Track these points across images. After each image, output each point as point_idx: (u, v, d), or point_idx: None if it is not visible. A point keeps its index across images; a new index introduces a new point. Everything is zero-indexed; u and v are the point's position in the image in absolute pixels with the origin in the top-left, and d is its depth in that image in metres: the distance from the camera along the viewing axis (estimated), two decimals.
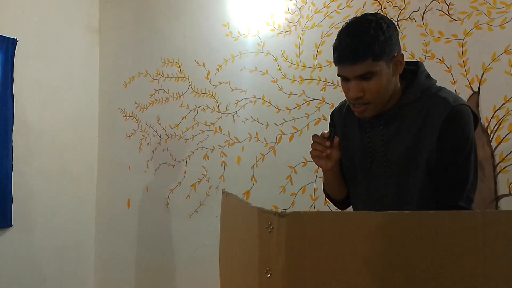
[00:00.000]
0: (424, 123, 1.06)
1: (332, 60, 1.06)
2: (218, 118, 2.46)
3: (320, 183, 2.12)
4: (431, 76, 1.15)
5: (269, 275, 0.70)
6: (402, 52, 1.08)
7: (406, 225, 0.70)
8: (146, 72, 2.77)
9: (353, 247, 0.68)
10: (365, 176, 1.17)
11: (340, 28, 1.06)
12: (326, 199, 2.07)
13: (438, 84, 1.14)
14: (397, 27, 1.08)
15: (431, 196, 1.07)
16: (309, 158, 2.06)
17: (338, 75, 1.07)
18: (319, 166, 1.18)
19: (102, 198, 2.99)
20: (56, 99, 2.78)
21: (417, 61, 1.17)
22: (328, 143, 1.11)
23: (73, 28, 2.90)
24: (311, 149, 1.15)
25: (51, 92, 2.76)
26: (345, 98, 1.12)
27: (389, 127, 1.11)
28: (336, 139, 1.12)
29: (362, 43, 0.99)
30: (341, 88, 1.86)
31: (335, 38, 1.06)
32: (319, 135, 1.14)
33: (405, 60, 1.10)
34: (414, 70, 1.13)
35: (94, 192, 3.01)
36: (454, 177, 1.05)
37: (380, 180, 1.14)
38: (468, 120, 1.04)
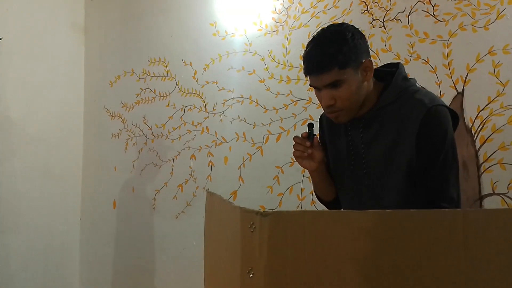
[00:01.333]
0: (402, 125, 1.08)
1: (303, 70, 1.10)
2: (205, 118, 2.44)
3: (307, 183, 2.12)
4: (409, 78, 1.17)
5: (251, 275, 0.70)
6: (371, 58, 1.11)
7: (388, 225, 0.70)
8: (132, 71, 2.74)
9: (336, 247, 0.68)
10: (349, 177, 1.19)
11: (308, 40, 1.10)
12: (313, 199, 2.09)
13: (423, 85, 1.15)
14: (363, 34, 1.10)
15: (412, 198, 1.08)
16: None
17: (310, 85, 1.10)
18: (303, 167, 1.20)
19: (87, 199, 2.95)
20: (40, 98, 2.73)
21: (398, 63, 1.19)
22: (308, 143, 1.13)
23: (58, 26, 2.85)
24: (293, 150, 1.16)
25: (35, 91, 2.71)
26: None
27: (368, 130, 1.14)
28: (316, 138, 1.15)
29: (326, 53, 1.03)
30: None
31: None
32: (299, 136, 1.16)
33: (390, 62, 1.15)
34: (393, 72, 1.15)
35: (79, 192, 2.97)
36: (434, 178, 1.06)
37: (362, 181, 1.16)
38: (444, 120, 1.06)
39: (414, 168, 1.07)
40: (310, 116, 2.11)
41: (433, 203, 1.05)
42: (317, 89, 1.09)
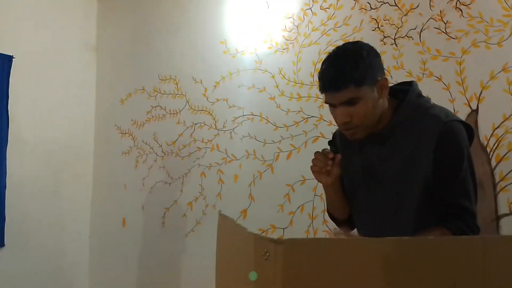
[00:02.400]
0: (418, 141, 1.08)
1: (319, 87, 1.10)
2: (215, 135, 2.44)
3: (318, 201, 2.09)
4: (423, 94, 1.17)
5: None
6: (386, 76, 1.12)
7: (406, 252, 0.67)
8: (143, 89, 2.76)
9: (352, 275, 0.65)
10: (364, 194, 1.18)
11: (325, 58, 1.11)
12: (325, 218, 2.05)
13: (436, 102, 1.16)
14: (378, 52, 1.11)
15: (429, 213, 1.07)
16: (308, 176, 2.05)
17: (326, 102, 1.10)
18: (319, 182, 1.20)
19: (97, 217, 2.95)
20: (51, 117, 2.76)
21: (412, 81, 1.19)
22: (331, 156, 1.14)
23: (70, 46, 2.90)
24: (311, 165, 1.16)
25: (46, 110, 2.74)
26: None
27: (383, 146, 1.13)
28: (338, 156, 1.14)
29: (343, 71, 1.03)
30: None
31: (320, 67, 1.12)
32: (320, 151, 1.16)
33: (403, 80, 1.16)
34: (406, 89, 1.15)
35: (88, 210, 2.97)
36: (453, 193, 1.06)
37: (378, 198, 1.14)
38: (461, 135, 1.07)
39: (431, 184, 1.06)
40: (321, 133, 2.09)
41: (453, 217, 1.04)
42: (333, 106, 1.09)
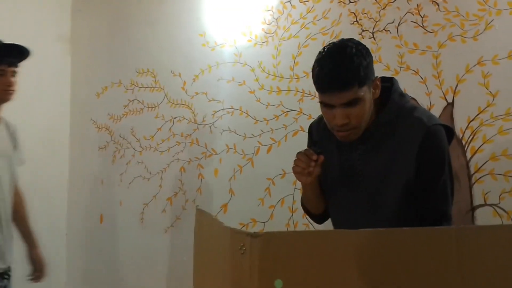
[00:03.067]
0: (400, 143, 1.08)
1: (315, 87, 1.05)
2: (195, 130, 2.41)
3: (298, 195, 2.08)
4: (404, 93, 1.17)
5: None
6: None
7: (382, 243, 0.68)
8: (120, 82, 2.70)
9: (328, 266, 0.65)
10: (343, 191, 1.18)
11: (319, 55, 1.06)
12: None
13: (413, 95, 1.17)
14: (370, 51, 1.09)
15: (408, 216, 1.08)
16: (288, 170, 2.05)
17: (321, 102, 1.05)
18: (299, 181, 1.18)
19: (74, 213, 2.88)
20: (25, 110, 2.66)
21: (391, 78, 1.18)
22: (315, 157, 1.10)
23: (43, 38, 2.80)
24: (293, 162, 1.14)
25: (20, 103, 2.62)
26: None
27: (366, 146, 1.12)
28: (321, 157, 1.11)
29: (348, 70, 0.99)
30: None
31: (315, 65, 1.06)
32: (303, 151, 1.13)
33: (381, 75, 1.13)
34: (388, 87, 1.14)
35: (65, 206, 2.89)
36: (433, 198, 1.07)
37: (357, 198, 1.15)
38: (443, 139, 1.08)
39: (411, 187, 1.07)
40: (301, 127, 2.09)
41: (432, 222, 1.04)
42: (330, 106, 1.04)
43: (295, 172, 1.15)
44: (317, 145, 1.17)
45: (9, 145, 1.82)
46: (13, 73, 1.76)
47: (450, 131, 1.12)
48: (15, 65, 1.77)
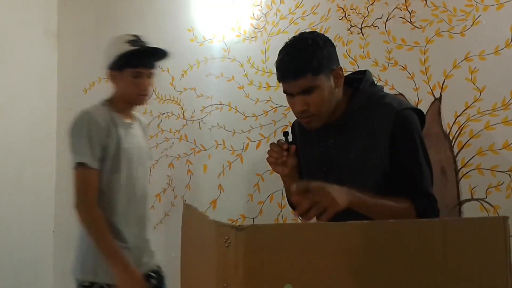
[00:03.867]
0: (372, 130, 1.12)
1: (276, 77, 1.13)
2: (184, 126, 2.39)
3: None
4: (376, 84, 1.23)
5: None
6: (341, 65, 1.15)
7: (367, 235, 0.68)
8: (108, 78, 2.66)
9: (313, 259, 0.65)
10: (320, 180, 1.18)
11: (282, 47, 1.14)
12: None
13: (401, 91, 1.20)
14: (333, 43, 1.15)
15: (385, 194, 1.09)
16: None
17: (283, 92, 1.13)
18: (276, 172, 1.23)
19: (61, 210, 2.84)
20: (11, 106, 2.62)
21: (366, 70, 1.23)
22: (285, 147, 1.17)
23: (29, 32, 2.75)
24: (267, 156, 1.20)
25: (6, 99, 2.60)
26: None
27: (339, 135, 1.17)
28: (293, 147, 1.18)
29: (301, 60, 1.06)
30: None
31: (278, 56, 1.13)
32: (275, 142, 1.20)
33: (362, 69, 1.21)
34: (361, 78, 1.19)
35: (52, 204, 2.85)
36: (410, 177, 1.10)
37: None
38: (414, 123, 1.12)
39: (387, 171, 1.10)
40: (289, 122, 2.07)
41: (412, 201, 1.07)
42: (290, 95, 1.11)
43: (269, 162, 1.20)
44: (287, 135, 1.22)
45: (145, 142, 1.77)
46: (150, 75, 1.65)
47: (421, 116, 1.16)
48: (152, 67, 1.66)
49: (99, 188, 1.55)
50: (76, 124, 1.57)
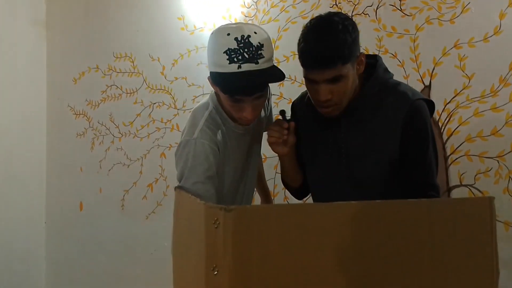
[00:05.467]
0: (384, 116, 1.09)
1: (300, 62, 1.05)
2: (175, 115, 2.38)
3: (279, 179, 2.09)
4: (388, 69, 1.19)
5: (215, 273, 0.66)
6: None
7: (355, 216, 0.68)
8: (97, 67, 2.64)
9: (302, 240, 0.65)
10: (324, 165, 1.18)
11: (305, 29, 1.05)
12: (286, 195, 2.07)
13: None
14: (357, 26, 1.08)
15: (393, 187, 1.09)
16: (268, 154, 2.05)
17: (305, 77, 1.06)
18: (275, 152, 1.19)
19: (52, 202, 2.83)
20: (0, 97, 2.59)
21: (376, 55, 1.20)
22: (286, 125, 1.13)
23: (17, 22, 2.71)
24: (267, 137, 1.16)
25: None
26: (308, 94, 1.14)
27: (348, 119, 1.13)
28: (292, 124, 1.14)
29: (332, 48, 0.99)
30: (299, 84, 1.86)
31: (300, 39, 1.05)
32: (274, 122, 1.17)
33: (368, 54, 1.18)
34: (372, 63, 1.15)
35: (43, 195, 2.84)
36: (420, 169, 1.09)
37: (340, 171, 1.15)
38: (426, 114, 1.10)
39: (395, 158, 1.08)
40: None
41: (419, 192, 1.07)
42: (314, 82, 1.04)
43: (270, 143, 1.16)
44: (286, 114, 1.19)
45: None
46: (255, 98, 1.11)
47: (432, 106, 1.15)
48: (251, 95, 1.09)
49: None
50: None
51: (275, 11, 2.12)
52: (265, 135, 1.17)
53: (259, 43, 1.05)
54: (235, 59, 1.03)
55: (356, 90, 1.11)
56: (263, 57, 1.05)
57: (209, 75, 1.15)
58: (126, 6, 2.55)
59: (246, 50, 1.04)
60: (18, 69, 2.70)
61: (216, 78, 1.09)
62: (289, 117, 1.16)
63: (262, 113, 1.38)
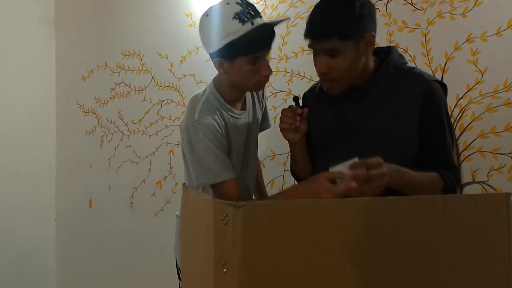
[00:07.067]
0: (401, 97, 1.08)
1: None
2: (183, 112, 2.36)
3: (288, 176, 2.08)
4: (403, 56, 1.19)
5: (225, 270, 0.65)
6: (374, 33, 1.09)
7: (367, 212, 0.67)
8: (106, 65, 2.64)
9: (312, 236, 0.64)
10: (336, 149, 1.17)
11: (317, 3, 1.09)
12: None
13: None
14: (373, 6, 1.08)
15: (408, 163, 1.07)
16: (277, 151, 2.04)
17: (309, 46, 1.09)
18: (287, 139, 1.19)
19: (62, 199, 2.85)
20: (9, 95, 2.61)
21: (391, 46, 1.22)
22: (299, 111, 1.13)
23: (26, 20, 2.73)
24: (280, 123, 1.17)
25: (4, 88, 2.59)
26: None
27: (363, 101, 1.12)
28: (305, 110, 1.14)
29: (330, 22, 1.01)
30: (308, 80, 1.85)
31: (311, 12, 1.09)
32: (287, 108, 1.16)
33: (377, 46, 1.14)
34: (387, 50, 1.17)
35: (53, 192, 2.86)
36: (439, 149, 1.09)
37: (353, 153, 1.12)
38: (442, 95, 1.11)
39: (412, 140, 1.08)
40: None
41: (439, 173, 1.07)
42: (315, 53, 1.08)
43: (282, 129, 1.16)
44: (299, 100, 1.20)
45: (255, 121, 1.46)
46: (267, 53, 1.21)
47: (445, 89, 1.15)
48: (270, 45, 1.20)
49: None
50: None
51: (283, 6, 2.10)
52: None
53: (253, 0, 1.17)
54: (246, 19, 1.11)
55: (370, 73, 1.11)
56: (260, 11, 1.18)
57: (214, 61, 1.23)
58: (134, 4, 2.55)
59: (249, 8, 1.14)
60: (28, 67, 2.72)
61: (234, 47, 1.12)
62: (302, 105, 1.17)
63: (258, 111, 1.44)
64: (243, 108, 1.37)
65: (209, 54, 1.26)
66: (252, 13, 1.13)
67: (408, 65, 1.16)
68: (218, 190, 1.20)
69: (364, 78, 1.11)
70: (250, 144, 1.40)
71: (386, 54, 1.15)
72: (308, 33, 1.06)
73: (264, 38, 1.15)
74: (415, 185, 1.01)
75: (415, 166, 1.06)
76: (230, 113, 1.28)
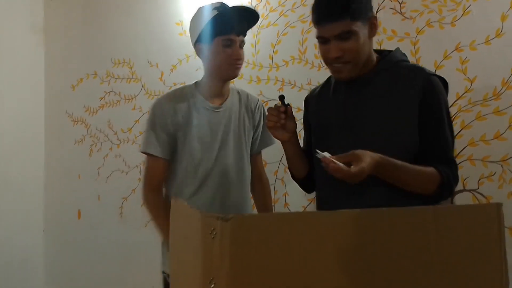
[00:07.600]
0: (401, 88, 1.10)
1: (312, 20, 1.10)
2: None
3: (279, 185, 2.07)
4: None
5: (212, 285, 0.64)
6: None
7: (358, 224, 0.66)
8: (95, 74, 2.62)
9: (302, 249, 0.63)
10: (338, 140, 1.17)
11: None
12: (286, 201, 2.04)
13: None
14: None
15: (407, 157, 1.08)
16: (269, 160, 2.03)
17: (317, 37, 1.10)
18: (275, 138, 1.22)
19: (51, 209, 2.80)
20: None
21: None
22: (282, 109, 1.15)
23: (15, 28, 2.70)
24: (266, 122, 1.18)
25: None
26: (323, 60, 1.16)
27: (363, 91, 1.14)
28: (289, 108, 1.16)
29: (339, 2, 1.03)
30: (299, 88, 1.85)
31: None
32: (273, 107, 1.18)
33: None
34: (389, 50, 1.20)
35: (41, 202, 2.81)
36: (441, 145, 1.09)
37: (354, 143, 1.11)
38: (442, 88, 1.12)
39: (411, 132, 1.08)
40: None
41: (436, 166, 1.07)
42: (325, 41, 1.08)
43: (269, 128, 1.18)
44: (284, 99, 1.20)
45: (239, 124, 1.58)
46: (241, 43, 1.41)
47: (445, 84, 1.15)
48: (243, 33, 1.42)
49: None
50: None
51: (274, 15, 2.11)
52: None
53: None
54: (222, 8, 1.38)
55: (371, 64, 1.13)
56: None
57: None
58: (124, 12, 2.54)
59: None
60: (17, 75, 2.69)
61: (210, 29, 1.36)
62: (288, 103, 1.17)
63: (247, 121, 1.53)
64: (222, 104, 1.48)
65: (193, 45, 1.47)
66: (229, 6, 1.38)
67: (408, 62, 1.19)
68: (146, 162, 1.45)
69: (366, 68, 1.13)
70: (228, 143, 1.46)
71: (389, 52, 1.18)
72: (318, 18, 1.07)
73: (235, 21, 1.36)
74: (408, 179, 1.03)
75: (415, 161, 1.06)
76: (203, 105, 1.44)
